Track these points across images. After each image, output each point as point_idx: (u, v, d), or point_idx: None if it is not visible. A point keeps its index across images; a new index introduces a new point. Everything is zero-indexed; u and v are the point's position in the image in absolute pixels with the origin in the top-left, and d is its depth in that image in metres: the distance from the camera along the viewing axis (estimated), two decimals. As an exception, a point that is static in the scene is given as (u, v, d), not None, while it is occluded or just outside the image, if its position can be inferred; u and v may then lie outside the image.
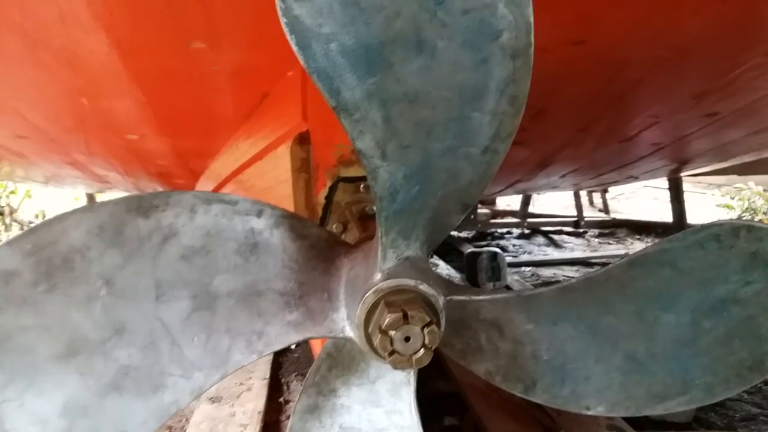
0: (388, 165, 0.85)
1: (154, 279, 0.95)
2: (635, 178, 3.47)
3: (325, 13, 0.74)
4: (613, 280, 1.06)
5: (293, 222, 1.01)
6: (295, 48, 0.73)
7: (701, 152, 2.42)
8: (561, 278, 4.42)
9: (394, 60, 0.80)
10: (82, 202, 5.30)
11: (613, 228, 6.35)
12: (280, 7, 0.71)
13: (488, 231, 6.06)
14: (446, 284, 1.04)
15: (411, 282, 0.92)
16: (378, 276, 0.94)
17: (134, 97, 1.61)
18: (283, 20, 0.72)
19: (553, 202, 7.50)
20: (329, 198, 1.35)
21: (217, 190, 2.45)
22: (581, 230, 6.26)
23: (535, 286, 3.93)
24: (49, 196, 5.86)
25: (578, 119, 1.82)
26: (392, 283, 0.92)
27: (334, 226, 1.27)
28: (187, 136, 2.03)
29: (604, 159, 2.49)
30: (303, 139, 1.41)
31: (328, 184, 1.35)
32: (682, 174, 3.75)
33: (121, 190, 3.49)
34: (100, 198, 5.02)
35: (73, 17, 1.23)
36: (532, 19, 0.83)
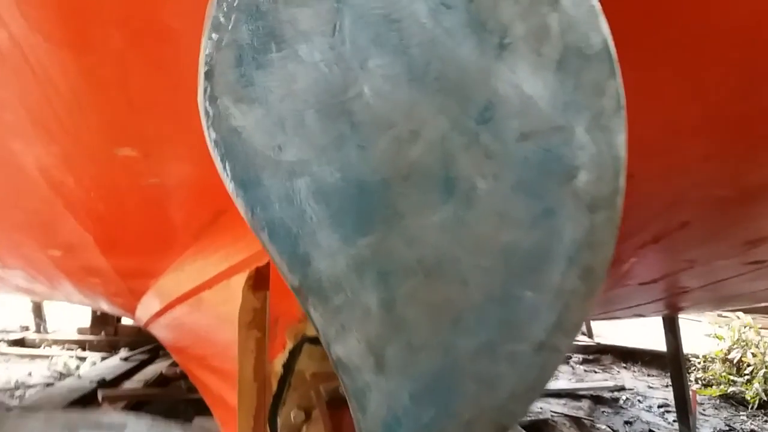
0: (386, 381, 0.49)
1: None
2: (636, 315, 3.18)
3: (289, 126, 0.43)
4: None
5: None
6: (229, 185, 0.40)
7: (724, 297, 2.14)
8: (549, 415, 3.97)
9: (405, 208, 0.48)
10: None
11: (597, 354, 5.99)
12: (207, 112, 0.39)
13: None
14: None
15: None
16: None
17: (60, 205, 1.29)
18: (210, 136, 0.40)
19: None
20: (288, 366, 0.98)
21: (161, 314, 2.09)
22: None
23: (524, 427, 3.46)
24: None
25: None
26: None
27: (291, 413, 0.88)
28: (126, 255, 1.69)
29: (616, 300, 2.19)
30: (259, 280, 1.06)
31: (289, 346, 0.98)
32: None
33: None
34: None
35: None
36: (625, 152, 0.54)
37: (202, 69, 0.50)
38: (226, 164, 0.48)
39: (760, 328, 5.37)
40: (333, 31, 0.55)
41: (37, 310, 5.06)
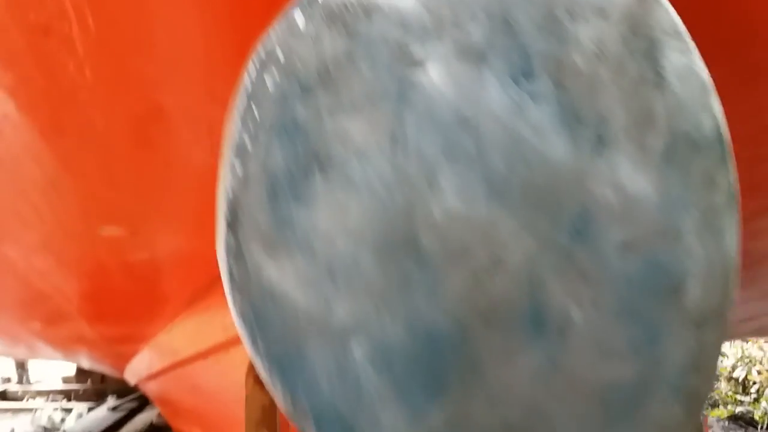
0: None
1: None
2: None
3: (340, 275, 0.34)
4: None
5: None
6: (261, 363, 0.27)
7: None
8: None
9: (485, 357, 0.44)
10: None
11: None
12: (231, 273, 0.28)
13: None
14: None
15: None
16: None
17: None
18: (236, 303, 0.28)
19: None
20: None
21: (153, 377, 1.93)
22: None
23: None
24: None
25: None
26: None
27: None
28: (114, 324, 1.55)
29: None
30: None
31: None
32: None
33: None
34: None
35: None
36: (737, 254, 0.49)
37: (221, 214, 0.38)
38: (258, 338, 0.35)
39: (765, 342, 5.29)
40: (393, 143, 0.42)
41: (20, 361, 4.82)
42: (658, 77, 0.49)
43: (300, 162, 0.40)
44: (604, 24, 0.47)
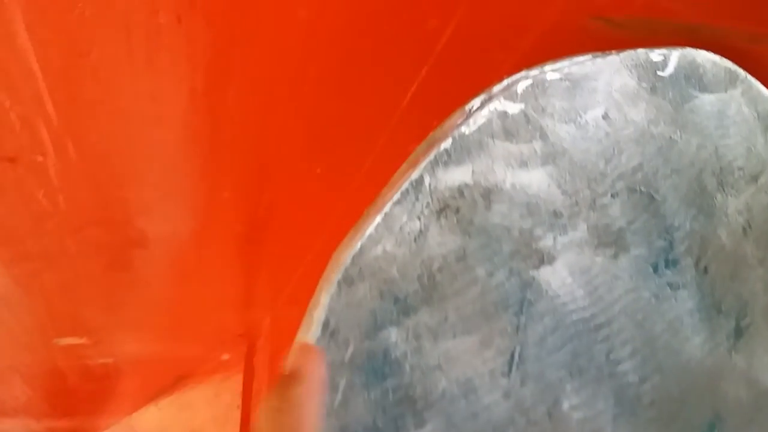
0: None
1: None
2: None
3: None
4: None
5: None
6: None
7: None
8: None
9: None
10: None
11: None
12: None
13: None
14: None
15: None
16: None
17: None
18: None
19: None
20: None
21: None
22: None
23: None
24: None
25: None
26: None
27: None
28: (66, 417, 1.37)
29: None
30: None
31: None
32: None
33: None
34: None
35: None
36: None
37: None
38: None
39: None
40: (510, 369, 0.31)
41: None
42: (802, 250, 0.40)
43: (389, 412, 0.28)
44: (754, 191, 0.38)
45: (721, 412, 0.39)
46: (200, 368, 1.05)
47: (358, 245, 0.27)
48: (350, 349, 0.28)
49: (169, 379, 1.09)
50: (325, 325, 0.27)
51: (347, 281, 0.27)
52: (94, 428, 1.49)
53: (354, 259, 0.27)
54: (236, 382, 0.91)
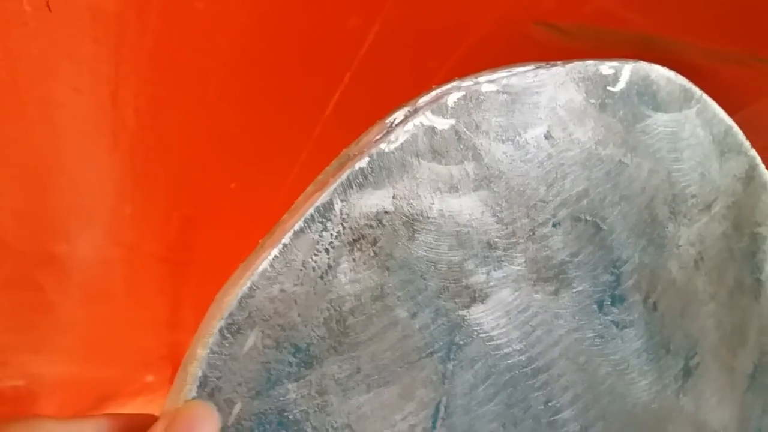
0: None
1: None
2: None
3: None
4: None
5: None
6: None
7: None
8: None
9: None
10: None
11: None
12: None
13: None
14: None
15: None
16: None
17: None
18: None
19: None
20: None
21: None
22: None
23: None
24: None
25: None
26: None
27: None
28: None
29: None
30: None
31: None
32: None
33: None
34: None
35: None
36: None
37: None
38: None
39: None
40: (434, 423, 0.27)
41: None
42: (756, 284, 0.37)
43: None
44: (707, 220, 0.34)
45: (667, 459, 0.36)
46: (123, 390, 0.98)
47: (248, 284, 0.23)
48: (235, 410, 0.23)
49: (89, 401, 1.02)
50: (203, 383, 0.22)
51: (232, 329, 0.23)
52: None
53: (242, 301, 0.23)
54: (160, 404, 0.84)
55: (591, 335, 0.32)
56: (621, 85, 0.33)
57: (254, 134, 0.35)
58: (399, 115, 0.26)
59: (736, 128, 0.35)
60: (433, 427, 0.27)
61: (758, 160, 0.36)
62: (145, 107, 0.36)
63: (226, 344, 0.22)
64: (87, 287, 0.57)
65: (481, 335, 0.28)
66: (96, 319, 0.65)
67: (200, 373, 0.22)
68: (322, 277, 0.24)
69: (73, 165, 0.39)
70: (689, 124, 0.33)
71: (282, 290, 0.23)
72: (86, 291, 0.58)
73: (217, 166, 0.37)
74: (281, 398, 0.24)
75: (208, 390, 0.22)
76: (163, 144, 0.39)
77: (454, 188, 0.27)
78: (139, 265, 0.58)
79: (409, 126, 0.25)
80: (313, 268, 0.24)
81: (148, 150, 0.38)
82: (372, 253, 0.25)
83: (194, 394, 0.22)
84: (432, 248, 0.27)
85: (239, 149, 0.36)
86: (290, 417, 0.24)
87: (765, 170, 0.36)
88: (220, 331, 0.22)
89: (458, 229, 0.27)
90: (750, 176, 0.36)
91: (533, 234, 0.29)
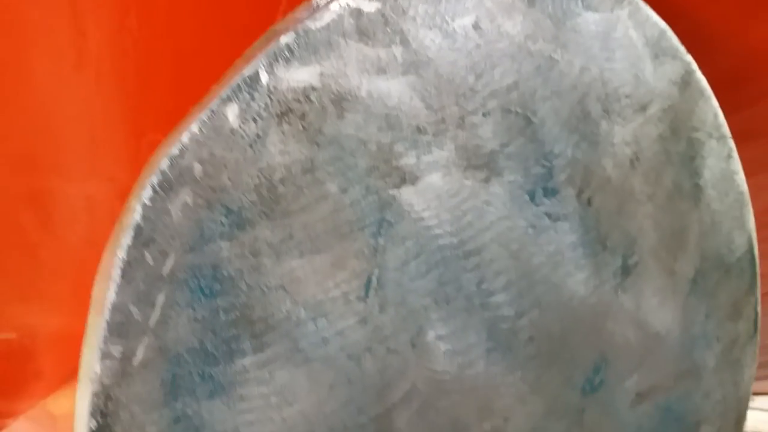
0: None
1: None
2: None
3: None
4: None
5: None
6: None
7: None
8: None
9: None
10: None
11: None
12: None
13: None
14: None
15: None
16: None
17: None
18: None
19: None
20: None
21: None
22: None
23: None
24: None
25: None
26: None
27: None
28: None
29: None
30: None
31: None
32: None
33: None
34: None
35: None
36: (750, 390, 0.43)
37: (82, 419, 0.22)
38: None
39: None
40: (367, 293, 0.29)
41: None
42: (695, 188, 0.39)
43: (221, 334, 0.25)
44: (643, 121, 0.36)
45: (607, 353, 0.38)
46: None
47: (178, 146, 0.25)
48: (169, 262, 0.25)
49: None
50: (137, 233, 0.24)
51: (164, 186, 0.24)
52: (9, 413, 1.42)
53: (173, 161, 0.24)
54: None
55: (523, 224, 0.33)
56: (556, -14, 0.34)
57: (215, 50, 0.36)
58: (327, -3, 0.27)
59: (670, 32, 0.36)
60: (366, 295, 0.29)
61: (694, 66, 0.37)
62: (106, 24, 0.37)
63: (159, 199, 0.24)
64: (72, 229, 0.59)
65: (411, 215, 0.30)
66: (86, 267, 0.67)
67: (134, 224, 0.24)
68: (251, 146, 0.26)
69: (41, 86, 0.41)
70: (621, 25, 0.34)
71: (212, 154, 0.25)
72: (72, 234, 0.59)
73: (181, 87, 0.39)
74: (214, 255, 0.26)
75: (142, 240, 0.24)
76: (127, 64, 0.40)
77: (382, 71, 0.29)
78: (123, 203, 0.60)
79: (335, 6, 0.27)
80: (242, 136, 0.26)
81: (112, 69, 0.40)
82: (301, 127, 0.27)
83: (129, 243, 0.24)
84: (361, 128, 0.28)
85: (200, 69, 0.38)
86: (224, 273, 0.26)
87: (702, 77, 0.37)
88: (152, 186, 0.24)
89: (387, 111, 0.29)
90: (686, 81, 0.37)
91: (463, 122, 0.31)
